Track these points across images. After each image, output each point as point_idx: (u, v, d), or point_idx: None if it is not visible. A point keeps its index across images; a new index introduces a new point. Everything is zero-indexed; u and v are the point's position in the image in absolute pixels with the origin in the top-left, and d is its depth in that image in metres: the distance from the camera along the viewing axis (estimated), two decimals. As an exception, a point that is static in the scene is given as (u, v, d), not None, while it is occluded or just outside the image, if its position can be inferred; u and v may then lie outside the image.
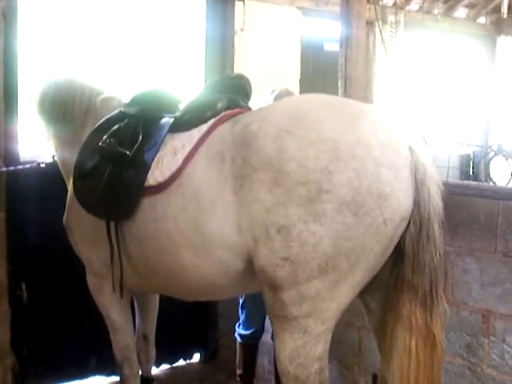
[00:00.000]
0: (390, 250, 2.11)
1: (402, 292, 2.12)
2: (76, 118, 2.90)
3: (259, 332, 3.40)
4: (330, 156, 2.00)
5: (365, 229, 2.00)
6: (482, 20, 7.29)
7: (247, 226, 2.12)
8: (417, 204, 2.06)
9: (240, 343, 3.43)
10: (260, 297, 3.16)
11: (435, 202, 2.08)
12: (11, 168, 3.29)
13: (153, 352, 3.25)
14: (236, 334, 3.44)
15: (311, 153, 2.02)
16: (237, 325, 3.44)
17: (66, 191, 2.88)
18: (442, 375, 2.19)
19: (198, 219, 2.24)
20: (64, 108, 2.93)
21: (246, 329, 3.38)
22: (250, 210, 2.10)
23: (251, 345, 3.43)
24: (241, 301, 3.38)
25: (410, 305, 2.10)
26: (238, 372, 3.50)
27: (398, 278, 2.13)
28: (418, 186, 2.05)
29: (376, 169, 1.99)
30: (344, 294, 2.10)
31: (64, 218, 2.86)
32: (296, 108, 2.19)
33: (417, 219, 2.07)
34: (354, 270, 2.05)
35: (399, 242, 2.10)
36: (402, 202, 2.02)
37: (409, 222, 2.07)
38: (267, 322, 3.37)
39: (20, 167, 3.31)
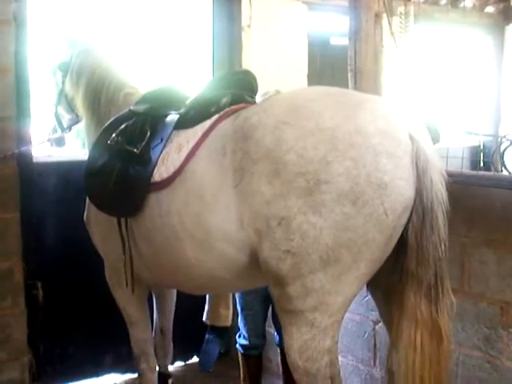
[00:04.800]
0: (395, 240, 2.07)
1: (406, 284, 2.08)
2: (102, 106, 3.02)
3: (261, 341, 3.30)
4: (328, 146, 1.98)
5: (365, 219, 1.97)
6: (489, 9, 7.24)
7: (249, 219, 2.12)
8: (419, 193, 2.02)
9: (242, 354, 3.32)
10: (259, 305, 3.16)
11: (438, 190, 2.04)
12: (23, 148, 3.35)
13: (170, 347, 3.29)
14: (237, 346, 3.32)
15: (309, 143, 2.00)
16: (237, 335, 3.33)
17: (80, 189, 2.90)
18: (448, 368, 2.16)
19: (201, 213, 2.25)
20: (93, 94, 3.07)
21: (247, 339, 3.26)
22: (251, 203, 2.09)
23: (254, 355, 3.32)
24: (239, 310, 3.27)
25: (414, 297, 2.07)
26: None
27: (402, 270, 2.09)
28: (420, 174, 2.01)
29: (375, 157, 1.96)
30: (349, 286, 2.07)
31: (84, 214, 2.90)
32: (295, 99, 2.18)
33: (419, 209, 2.03)
34: (357, 262, 2.02)
35: (403, 233, 2.07)
36: (402, 190, 1.99)
37: (411, 212, 2.03)
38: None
39: (30, 147, 3.42)
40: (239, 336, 3.31)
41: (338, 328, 2.15)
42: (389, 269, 2.15)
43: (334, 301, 2.07)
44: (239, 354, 3.35)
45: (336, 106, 2.07)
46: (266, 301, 3.11)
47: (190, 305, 3.35)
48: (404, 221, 2.04)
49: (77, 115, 3.29)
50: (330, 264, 2.01)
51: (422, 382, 2.08)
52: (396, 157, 1.98)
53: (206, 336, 3.48)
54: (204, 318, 3.38)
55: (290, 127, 2.05)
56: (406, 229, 2.06)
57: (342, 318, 2.15)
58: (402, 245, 2.08)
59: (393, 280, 2.15)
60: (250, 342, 3.26)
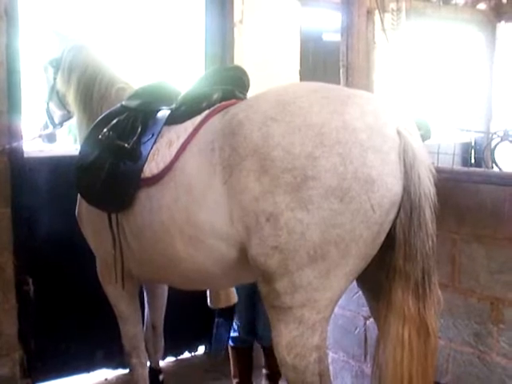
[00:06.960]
0: (383, 236, 2.07)
1: (393, 280, 2.08)
2: (94, 102, 3.02)
3: (249, 336, 3.32)
4: (315, 141, 1.98)
5: (352, 215, 1.97)
6: (481, 6, 7.26)
7: (238, 215, 2.11)
8: (406, 189, 2.01)
9: (233, 347, 3.34)
10: (249, 300, 3.17)
11: (426, 186, 2.03)
12: (14, 144, 3.34)
13: (161, 342, 3.29)
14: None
15: (297, 139, 2.00)
16: None
17: (72, 184, 2.89)
18: (435, 364, 2.16)
19: (190, 209, 2.25)
20: (85, 89, 3.06)
21: (237, 331, 3.29)
22: (240, 199, 2.09)
23: (243, 348, 3.34)
24: None
25: (402, 293, 2.07)
26: (235, 381, 3.40)
27: (389, 266, 2.09)
28: (408, 170, 2.00)
29: (362, 153, 1.95)
30: (337, 282, 2.07)
31: (76, 209, 2.89)
32: (282, 95, 2.17)
33: (407, 205, 2.02)
34: (345, 258, 2.02)
35: (391, 229, 2.06)
36: (390, 186, 1.98)
37: (399, 208, 2.03)
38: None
39: (21, 143, 3.41)
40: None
41: (326, 324, 2.14)
42: (377, 265, 2.14)
43: (321, 297, 2.07)
44: (229, 347, 3.37)
45: (324, 102, 2.07)
46: (251, 296, 3.13)
47: (181, 300, 3.35)
48: (391, 217, 2.04)
49: (68, 111, 3.29)
50: (318, 260, 2.01)
51: (410, 378, 2.08)
52: (383, 152, 1.98)
53: (216, 321, 3.49)
54: (208, 303, 3.38)
55: (278, 123, 2.05)
56: (393, 225, 2.06)
57: (331, 314, 2.15)
58: (389, 241, 2.08)
59: (381, 276, 2.15)
60: (239, 334, 3.29)
